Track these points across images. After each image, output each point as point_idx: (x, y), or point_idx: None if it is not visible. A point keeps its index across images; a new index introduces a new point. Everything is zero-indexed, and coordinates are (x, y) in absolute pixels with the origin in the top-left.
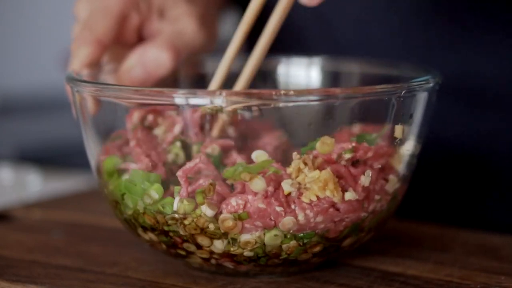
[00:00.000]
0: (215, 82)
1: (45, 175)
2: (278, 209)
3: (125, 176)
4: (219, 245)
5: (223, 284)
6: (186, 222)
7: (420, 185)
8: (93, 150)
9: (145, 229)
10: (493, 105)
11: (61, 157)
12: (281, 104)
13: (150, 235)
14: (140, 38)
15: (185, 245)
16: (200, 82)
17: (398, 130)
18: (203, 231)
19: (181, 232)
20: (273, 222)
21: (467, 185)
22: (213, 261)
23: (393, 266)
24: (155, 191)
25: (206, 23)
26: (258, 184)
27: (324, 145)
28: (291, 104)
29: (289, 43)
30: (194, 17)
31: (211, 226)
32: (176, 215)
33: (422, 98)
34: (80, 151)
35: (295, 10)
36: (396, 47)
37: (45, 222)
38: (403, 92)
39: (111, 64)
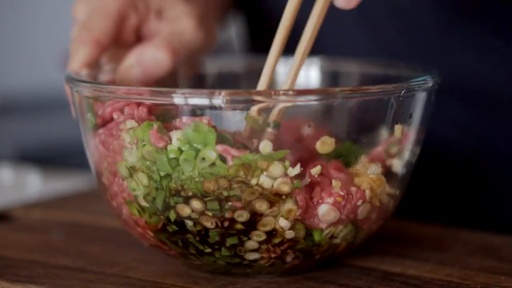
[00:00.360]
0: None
1: (45, 175)
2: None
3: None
4: (283, 222)
5: (223, 284)
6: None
7: (420, 185)
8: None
9: (189, 198)
10: (493, 105)
11: (61, 157)
12: (280, 104)
13: (195, 204)
14: (139, 39)
15: (239, 213)
16: (199, 82)
17: (398, 130)
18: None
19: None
20: None
21: (467, 185)
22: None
23: (393, 266)
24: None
25: (205, 23)
26: (277, 170)
27: (324, 145)
28: (290, 104)
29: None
30: (193, 17)
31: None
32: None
33: (421, 98)
34: (80, 151)
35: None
36: (395, 48)
37: (45, 222)
38: (402, 92)
39: (110, 64)
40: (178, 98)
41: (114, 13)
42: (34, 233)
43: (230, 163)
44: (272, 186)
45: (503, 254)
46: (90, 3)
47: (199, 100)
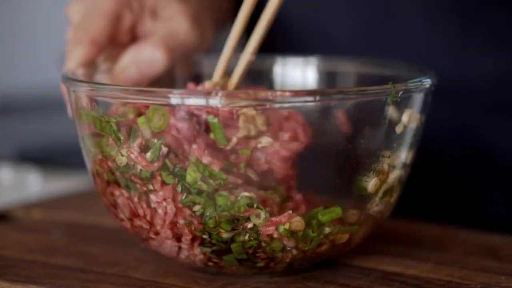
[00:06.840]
0: (215, 78)
1: (45, 175)
2: None
3: None
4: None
5: (223, 284)
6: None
7: (419, 185)
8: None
9: None
10: (493, 106)
11: (61, 157)
12: (276, 105)
13: None
14: (134, 38)
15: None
16: (195, 82)
17: (398, 129)
18: None
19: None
20: None
21: (467, 185)
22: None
23: (393, 266)
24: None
25: (199, 22)
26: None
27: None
28: (287, 105)
29: (284, 42)
30: (187, 17)
31: None
32: None
33: (418, 99)
34: (80, 151)
35: (291, 9)
36: (392, 48)
37: (45, 222)
38: (400, 92)
39: (106, 64)
40: (175, 98)
41: (110, 13)
42: (34, 233)
43: None
44: None
45: (503, 254)
46: (84, 3)
47: (195, 100)
